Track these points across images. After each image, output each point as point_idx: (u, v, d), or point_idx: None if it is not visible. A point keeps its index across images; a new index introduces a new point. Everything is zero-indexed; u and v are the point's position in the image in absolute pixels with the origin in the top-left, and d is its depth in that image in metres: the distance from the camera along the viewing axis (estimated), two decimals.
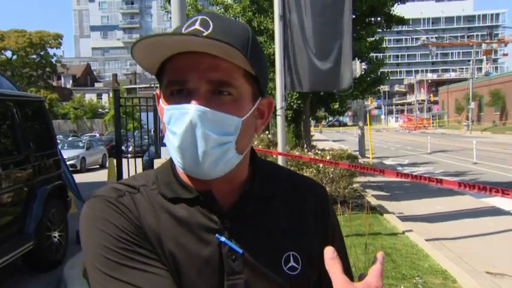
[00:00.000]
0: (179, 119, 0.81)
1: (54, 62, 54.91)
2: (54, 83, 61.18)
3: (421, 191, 10.87)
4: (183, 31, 0.84)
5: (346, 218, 7.33)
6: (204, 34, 0.82)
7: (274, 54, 7.80)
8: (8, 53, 52.28)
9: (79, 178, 14.28)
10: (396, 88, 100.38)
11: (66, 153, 18.73)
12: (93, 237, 0.83)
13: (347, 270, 1.01)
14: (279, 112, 7.63)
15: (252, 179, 0.94)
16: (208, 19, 0.84)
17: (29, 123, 6.00)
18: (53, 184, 5.97)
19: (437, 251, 6.06)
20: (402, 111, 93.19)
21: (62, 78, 68.10)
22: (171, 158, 0.93)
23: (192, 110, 0.80)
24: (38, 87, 51.69)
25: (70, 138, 27.48)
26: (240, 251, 0.87)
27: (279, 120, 7.74)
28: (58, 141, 23.59)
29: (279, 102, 7.56)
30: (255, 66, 0.84)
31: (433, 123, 65.68)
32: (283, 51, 6.63)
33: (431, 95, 78.30)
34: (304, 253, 0.93)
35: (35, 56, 53.11)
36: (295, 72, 6.63)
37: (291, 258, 0.91)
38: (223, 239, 0.86)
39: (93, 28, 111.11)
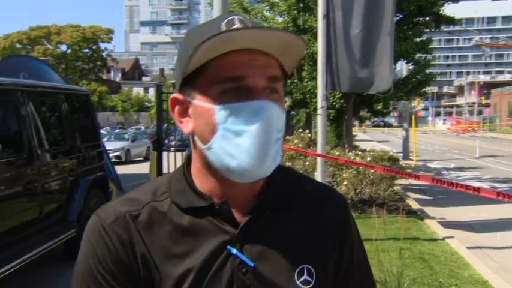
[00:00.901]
0: (249, 116, 0.79)
1: (104, 56, 56.72)
2: (104, 76, 63.16)
3: (467, 197, 10.46)
4: (224, 28, 0.81)
5: (382, 220, 7.20)
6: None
7: (317, 53, 7.73)
8: (63, 47, 54.42)
9: (123, 169, 14.73)
10: (445, 89, 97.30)
11: (112, 145, 19.37)
12: (80, 258, 0.87)
13: (365, 282, 1.01)
14: (319, 111, 7.57)
15: (268, 188, 0.91)
16: (243, 19, 0.84)
17: (75, 115, 6.23)
18: (95, 175, 6.17)
19: (479, 260, 5.84)
20: (450, 113, 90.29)
21: (112, 72, 70.19)
22: (185, 164, 0.93)
23: (264, 105, 0.80)
24: (89, 80, 53.58)
25: (116, 130, 28.29)
26: (252, 264, 0.84)
27: (320, 119, 7.67)
28: (105, 132, 24.46)
29: (320, 102, 7.50)
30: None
31: (483, 126, 63.23)
32: (326, 50, 6.56)
33: (483, 98, 75.34)
34: (319, 266, 0.90)
35: (87, 50, 55.05)
36: (335, 72, 6.55)
37: (305, 271, 0.89)
38: (234, 251, 0.84)
39: (143, 23, 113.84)
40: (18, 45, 51.32)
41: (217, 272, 0.84)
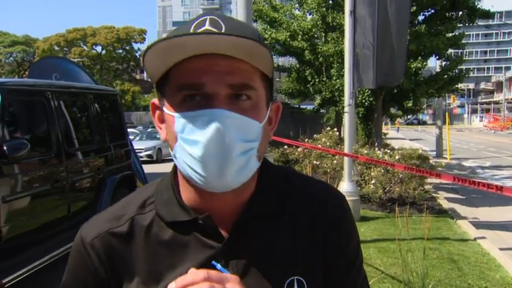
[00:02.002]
0: (202, 126, 0.74)
1: (138, 56, 57.72)
2: (137, 76, 64.31)
3: (502, 196, 10.13)
4: (191, 31, 0.77)
5: (414, 220, 7.06)
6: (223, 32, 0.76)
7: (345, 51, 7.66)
8: (98, 48, 55.74)
9: (154, 168, 14.96)
10: (482, 86, 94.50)
11: (144, 144, 19.72)
12: (65, 272, 0.92)
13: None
14: (346, 109, 7.51)
15: (254, 198, 0.86)
16: (217, 19, 0.79)
17: (104, 114, 6.36)
18: (123, 173, 6.29)
19: None
20: (488, 110, 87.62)
21: (145, 72, 71.36)
22: (172, 172, 0.89)
23: (218, 114, 0.74)
24: (122, 80, 54.71)
25: (149, 130, 28.75)
26: None
27: (347, 117, 7.61)
28: (137, 132, 24.82)
29: (347, 99, 7.44)
30: (272, 68, 0.80)
31: None
32: (352, 47, 6.49)
33: None
34: (310, 277, 0.85)
35: (121, 51, 56.19)
36: (362, 68, 6.48)
37: (295, 283, 0.84)
38: (219, 266, 0.79)
39: (175, 23, 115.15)
40: (56, 48, 52.91)
41: None
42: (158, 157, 20.21)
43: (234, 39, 0.72)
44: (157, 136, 21.78)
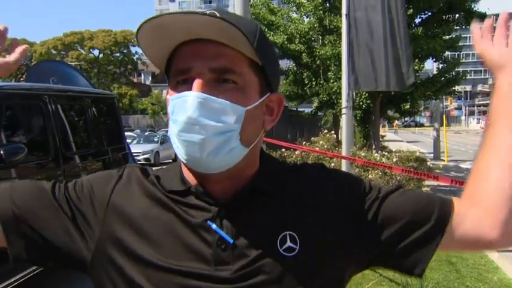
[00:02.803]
0: (181, 107, 0.80)
1: (135, 60, 57.76)
2: (135, 80, 64.36)
3: None
4: None
5: None
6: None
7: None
8: (96, 52, 55.75)
9: None
10: (479, 88, 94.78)
11: (142, 147, 19.71)
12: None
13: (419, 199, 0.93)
14: (344, 111, 7.50)
15: (258, 174, 0.90)
16: (216, 12, 0.83)
17: (101, 118, 6.36)
18: None
19: (510, 264, 5.65)
20: (485, 112, 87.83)
21: (142, 75, 71.42)
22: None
23: (191, 96, 0.79)
24: (120, 84, 54.72)
25: (146, 133, 28.76)
26: (231, 240, 0.83)
27: (344, 119, 7.59)
28: (135, 135, 24.76)
29: (344, 102, 7.43)
30: (261, 56, 0.82)
31: None
32: (348, 49, 6.50)
33: None
34: (304, 233, 0.86)
35: (118, 54, 56.22)
36: (358, 71, 6.49)
37: (288, 238, 0.85)
38: (214, 226, 0.84)
39: None
40: (53, 51, 52.90)
41: (196, 246, 0.84)
42: (156, 160, 20.20)
43: (210, 21, 0.77)
44: (155, 139, 21.82)
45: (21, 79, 45.93)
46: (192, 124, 0.79)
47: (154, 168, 1.00)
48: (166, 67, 0.89)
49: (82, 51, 55.18)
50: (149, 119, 56.04)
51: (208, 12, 0.82)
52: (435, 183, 11.18)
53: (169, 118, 0.85)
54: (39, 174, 4.73)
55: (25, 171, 4.50)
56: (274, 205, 0.88)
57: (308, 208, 0.89)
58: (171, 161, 21.55)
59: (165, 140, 22.16)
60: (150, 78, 72.67)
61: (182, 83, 0.83)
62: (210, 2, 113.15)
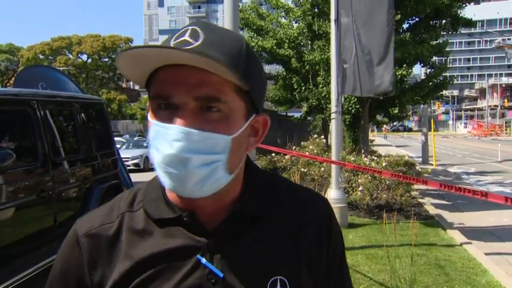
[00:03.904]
0: (162, 137, 0.78)
1: None
2: (124, 85, 64.01)
3: (487, 202, 10.27)
4: (171, 42, 0.80)
5: (401, 226, 7.11)
6: (190, 47, 0.77)
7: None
8: (84, 57, 55.43)
9: (142, 177, 14.84)
10: (466, 93, 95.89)
11: (131, 153, 19.59)
12: (55, 260, 0.95)
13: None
14: (333, 116, 7.56)
15: (241, 198, 0.89)
16: (199, 30, 0.80)
17: (90, 123, 6.32)
18: (110, 183, 6.24)
19: (498, 267, 5.71)
20: (472, 116, 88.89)
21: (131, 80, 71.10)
22: None
23: (175, 131, 0.77)
24: (108, 89, 54.44)
25: (135, 138, 28.60)
26: (221, 274, 0.83)
27: (334, 124, 7.65)
28: (124, 140, 24.60)
29: (334, 107, 7.48)
30: (248, 81, 0.79)
31: (506, 130, 62.03)
32: (337, 55, 6.55)
33: (506, 100, 73.98)
34: (294, 278, 0.87)
35: (107, 59, 55.95)
36: (346, 76, 6.54)
37: (278, 283, 0.86)
38: (204, 260, 0.83)
39: (162, 32, 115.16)
40: (41, 56, 52.48)
41: (183, 280, 0.83)
42: (145, 166, 20.08)
43: (190, 56, 0.73)
44: (144, 145, 21.70)
45: (8, 84, 45.52)
46: (175, 159, 0.77)
47: (131, 188, 0.98)
48: (147, 83, 0.85)
49: (70, 56, 54.83)
50: (138, 124, 55.82)
51: (190, 31, 0.80)
52: (424, 187, 11.26)
53: (150, 142, 0.82)
54: (27, 180, 4.69)
55: (13, 177, 4.46)
56: (263, 231, 0.88)
57: (296, 236, 0.91)
58: None
59: None
60: None
61: (165, 107, 0.80)
62: (199, 8, 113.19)
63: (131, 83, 71.14)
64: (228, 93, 0.79)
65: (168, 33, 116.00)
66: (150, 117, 0.83)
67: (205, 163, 0.78)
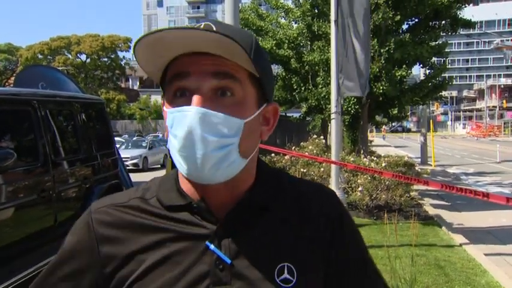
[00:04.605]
0: (180, 122, 0.80)
1: (123, 65, 57.52)
2: (123, 85, 64.05)
3: (485, 202, 10.28)
4: None
5: (400, 227, 7.11)
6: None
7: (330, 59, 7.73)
8: (83, 56, 55.41)
9: (140, 177, 14.83)
10: (465, 93, 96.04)
11: (130, 153, 19.57)
12: (68, 234, 0.96)
13: (367, 282, 0.98)
14: (333, 116, 7.56)
15: (252, 189, 0.91)
16: (211, 24, 0.83)
17: (90, 123, 6.32)
18: (110, 183, 6.24)
19: (497, 267, 5.73)
20: (470, 117, 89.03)
21: (130, 80, 71.16)
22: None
23: (192, 111, 0.79)
24: (107, 89, 54.43)
25: (134, 138, 28.59)
26: (229, 260, 0.84)
27: (334, 124, 7.65)
28: (123, 140, 24.58)
29: (333, 107, 7.49)
30: (258, 68, 0.83)
31: (504, 130, 62.12)
32: (337, 55, 6.56)
33: (504, 101, 74.10)
34: (301, 265, 0.88)
35: (106, 59, 55.94)
36: (345, 77, 6.56)
37: (285, 269, 0.87)
38: (212, 246, 0.85)
39: None
40: (40, 56, 52.45)
41: (192, 266, 0.84)
42: (144, 166, 20.09)
43: (208, 35, 0.77)
44: (143, 144, 21.70)
45: (7, 84, 45.42)
46: (193, 140, 0.79)
47: (151, 180, 0.99)
48: (161, 78, 0.89)
49: (69, 56, 54.83)
50: (137, 124, 55.78)
51: (203, 25, 0.83)
52: (423, 187, 11.28)
53: (167, 131, 0.85)
54: (28, 180, 4.69)
55: (14, 176, 4.46)
56: (271, 222, 0.90)
57: (303, 228, 0.92)
58: (159, 166, 21.47)
59: (153, 145, 22.06)
60: (137, 83, 72.39)
61: (180, 96, 0.83)
62: (198, 8, 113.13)
63: (130, 83, 71.21)
64: (242, 76, 0.83)
65: None
66: (165, 107, 0.86)
67: (219, 146, 0.81)
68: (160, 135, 40.79)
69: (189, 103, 0.80)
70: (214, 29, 0.81)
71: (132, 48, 0.83)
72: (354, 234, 1.00)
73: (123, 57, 58.00)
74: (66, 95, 6.08)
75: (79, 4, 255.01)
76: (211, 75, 0.81)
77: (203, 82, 0.81)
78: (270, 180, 0.96)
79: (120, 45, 55.75)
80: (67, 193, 5.38)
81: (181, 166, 0.83)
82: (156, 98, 63.97)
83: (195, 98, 0.80)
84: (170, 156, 0.84)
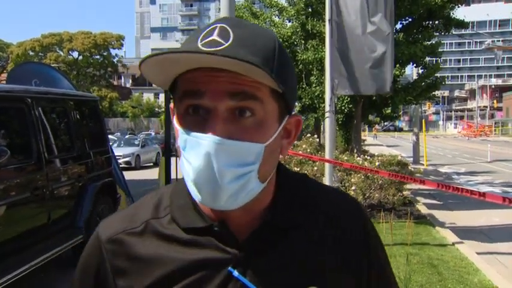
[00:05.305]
0: (194, 149, 0.73)
1: (115, 62, 57.23)
2: (115, 82, 63.66)
3: (477, 201, 10.31)
4: (199, 42, 0.74)
5: (393, 226, 7.14)
6: (221, 48, 0.72)
7: (325, 58, 7.73)
8: (75, 54, 55.01)
9: (133, 175, 14.80)
10: (456, 93, 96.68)
11: (122, 151, 19.50)
12: (78, 263, 0.93)
13: None
14: (327, 115, 7.57)
15: (273, 206, 0.84)
16: (228, 28, 0.75)
17: (84, 121, 6.29)
18: (103, 181, 6.21)
19: (489, 266, 5.78)
20: (462, 117, 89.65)
21: (122, 78, 70.77)
22: None
23: (208, 141, 0.71)
24: (99, 86, 54.11)
25: (127, 136, 28.48)
26: (254, 287, 0.79)
27: (328, 123, 7.65)
28: (115, 138, 24.48)
29: (327, 106, 7.50)
30: (282, 82, 0.73)
31: (495, 130, 62.64)
32: (331, 54, 6.57)
33: (495, 101, 74.68)
34: (329, 287, 0.84)
35: (98, 57, 55.60)
36: (341, 75, 6.57)
37: None
38: (236, 273, 0.79)
39: (154, 29, 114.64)
40: (31, 53, 52.01)
41: None
42: (137, 164, 20.03)
43: (223, 60, 0.68)
44: (136, 143, 21.62)
45: None
46: (209, 172, 0.72)
47: (151, 192, 0.93)
48: (171, 85, 0.80)
49: (61, 53, 54.39)
50: (129, 122, 55.55)
51: (218, 29, 0.75)
52: (415, 186, 11.34)
53: (180, 152, 0.77)
54: (21, 177, 4.66)
55: (7, 174, 4.42)
56: (297, 241, 0.84)
57: (332, 248, 0.87)
58: (151, 164, 21.40)
59: (145, 143, 22.00)
60: (130, 81, 72.04)
61: (193, 113, 0.75)
62: (191, 6, 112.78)
63: (123, 80, 70.87)
64: (263, 92, 0.75)
65: (160, 31, 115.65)
66: (176, 123, 0.78)
67: (238, 176, 0.74)
68: (153, 133, 40.68)
69: (203, 125, 0.73)
70: (232, 37, 0.73)
71: (138, 64, 0.78)
72: (380, 247, 0.96)
73: (116, 54, 57.68)
74: (60, 92, 6.05)
75: (72, 1, 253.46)
76: (229, 95, 0.72)
77: (219, 103, 0.73)
78: (294, 193, 0.89)
79: (112, 43, 55.40)
80: (60, 191, 5.35)
81: (196, 195, 0.76)
82: (149, 96, 63.75)
83: (210, 125, 0.72)
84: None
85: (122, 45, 56.55)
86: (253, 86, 0.73)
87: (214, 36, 0.74)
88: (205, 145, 0.72)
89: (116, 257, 0.84)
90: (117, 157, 14.13)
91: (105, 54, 55.71)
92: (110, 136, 24.40)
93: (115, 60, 57.19)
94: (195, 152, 0.73)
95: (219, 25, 0.76)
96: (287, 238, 0.84)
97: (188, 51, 0.71)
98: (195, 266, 0.80)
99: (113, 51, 56.97)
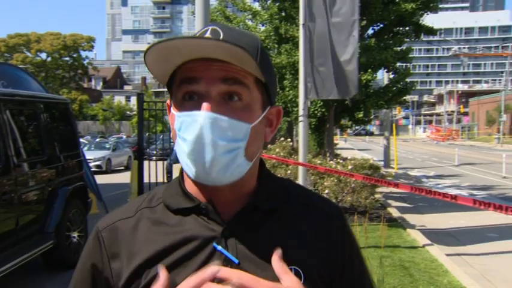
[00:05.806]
0: (190, 126, 0.82)
1: (85, 64, 56.22)
2: (85, 85, 62.58)
3: (446, 204, 10.56)
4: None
5: (364, 229, 7.24)
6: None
7: (298, 62, 7.79)
8: (43, 55, 53.80)
9: (104, 179, 14.56)
10: (425, 98, 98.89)
11: (93, 154, 19.17)
12: (80, 257, 0.99)
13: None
14: (301, 119, 7.62)
15: (257, 191, 0.94)
16: (218, 29, 0.87)
17: (54, 124, 6.14)
18: (75, 185, 6.08)
19: (458, 267, 5.92)
20: (430, 121, 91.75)
21: (93, 80, 69.59)
22: (181, 170, 0.95)
23: (202, 116, 0.81)
24: (69, 89, 53.09)
25: (97, 140, 28.01)
26: (236, 261, 0.85)
27: (301, 127, 7.71)
28: (86, 141, 24.08)
29: (301, 110, 7.55)
30: (264, 73, 0.86)
31: (462, 135, 64.31)
32: (305, 58, 6.62)
33: (462, 106, 76.66)
34: (309, 271, 0.89)
35: (68, 58, 54.53)
36: (314, 79, 6.63)
37: (292, 272, 0.84)
38: (219, 247, 0.86)
39: (125, 32, 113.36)
40: None
41: (200, 268, 0.82)
42: (107, 167, 19.71)
43: (219, 44, 0.80)
44: (107, 146, 21.28)
45: None
46: (203, 144, 0.81)
47: (155, 188, 1.01)
48: (168, 81, 0.91)
49: (28, 54, 53.10)
50: (100, 125, 54.62)
51: (210, 30, 0.86)
52: (387, 190, 11.53)
53: (175, 134, 0.87)
54: None
55: None
56: (278, 225, 0.92)
57: (311, 236, 0.93)
58: (123, 168, 21.10)
59: (117, 147, 21.67)
60: (101, 83, 70.92)
61: (189, 99, 0.85)
62: (164, 8, 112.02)
63: (93, 83, 69.67)
64: (250, 81, 0.86)
65: (131, 33, 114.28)
66: (173, 111, 0.88)
67: (228, 150, 0.83)
68: (124, 136, 40.11)
69: (198, 107, 0.83)
70: (222, 35, 0.85)
71: (143, 54, 0.86)
72: (358, 249, 1.03)
73: (86, 56, 56.68)
74: (29, 94, 5.89)
75: (41, 2, 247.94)
76: (221, 80, 0.84)
77: (213, 87, 0.84)
78: (276, 184, 0.98)
79: (83, 45, 54.45)
80: (29, 196, 5.22)
81: (190, 169, 0.85)
82: (120, 99, 62.85)
83: (205, 103, 0.82)
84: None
85: (92, 47, 55.63)
86: (241, 74, 0.85)
87: (208, 35, 0.86)
88: (200, 120, 0.81)
89: (111, 243, 0.92)
90: (88, 161, 13.90)
91: (75, 56, 54.70)
92: (80, 139, 24.04)
93: (85, 62, 56.19)
94: (191, 128, 0.82)
95: (210, 27, 0.88)
96: (268, 222, 0.92)
97: (195, 37, 0.82)
98: (182, 242, 0.87)
99: (83, 53, 56.04)
